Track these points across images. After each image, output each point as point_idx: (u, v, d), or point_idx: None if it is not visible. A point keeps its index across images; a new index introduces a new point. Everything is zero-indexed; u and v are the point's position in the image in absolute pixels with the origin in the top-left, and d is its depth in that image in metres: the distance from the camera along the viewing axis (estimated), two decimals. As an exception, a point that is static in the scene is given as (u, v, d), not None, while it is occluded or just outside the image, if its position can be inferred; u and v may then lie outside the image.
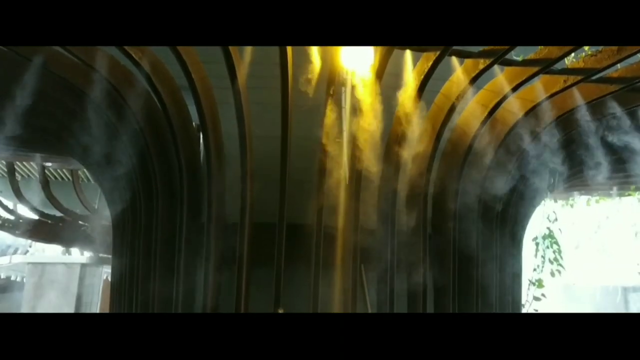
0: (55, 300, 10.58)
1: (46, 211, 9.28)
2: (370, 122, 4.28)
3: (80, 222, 9.52)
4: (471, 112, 4.81)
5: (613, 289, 19.23)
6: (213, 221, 5.23)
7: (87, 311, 10.66)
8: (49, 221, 9.65)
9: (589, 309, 21.22)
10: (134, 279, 5.69)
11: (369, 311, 5.30)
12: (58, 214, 9.27)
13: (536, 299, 5.98)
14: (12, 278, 12.81)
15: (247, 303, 4.74)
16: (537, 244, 6.18)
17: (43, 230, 9.77)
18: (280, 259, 4.73)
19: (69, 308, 10.54)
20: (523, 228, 5.95)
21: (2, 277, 12.86)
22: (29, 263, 10.91)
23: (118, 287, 6.03)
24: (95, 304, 10.67)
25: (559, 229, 6.21)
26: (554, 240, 6.11)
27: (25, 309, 10.82)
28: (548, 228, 6.08)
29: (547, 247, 6.10)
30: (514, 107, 4.75)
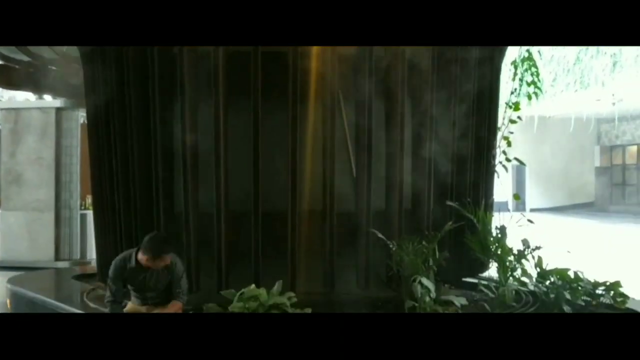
0: (34, 145, 10.55)
1: (13, 56, 8.93)
2: None
3: (50, 66, 9.20)
4: None
5: (587, 120, 19.74)
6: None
7: (68, 156, 10.69)
8: (17, 66, 9.32)
9: (563, 141, 21.95)
10: (110, 120, 5.63)
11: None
12: (26, 58, 8.91)
13: (512, 121, 6.10)
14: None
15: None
16: (515, 67, 6.15)
17: (12, 76, 9.47)
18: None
19: (49, 153, 10.54)
20: (501, 52, 5.89)
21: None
22: (2, 109, 10.68)
23: (94, 130, 5.99)
24: (75, 148, 10.67)
25: (538, 52, 6.13)
26: (533, 62, 6.08)
27: (4, 156, 10.80)
28: (527, 51, 6.01)
29: (526, 70, 6.08)
30: None
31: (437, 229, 5.23)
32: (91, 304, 5.40)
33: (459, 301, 4.65)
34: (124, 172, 5.51)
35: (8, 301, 6.72)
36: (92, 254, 9.99)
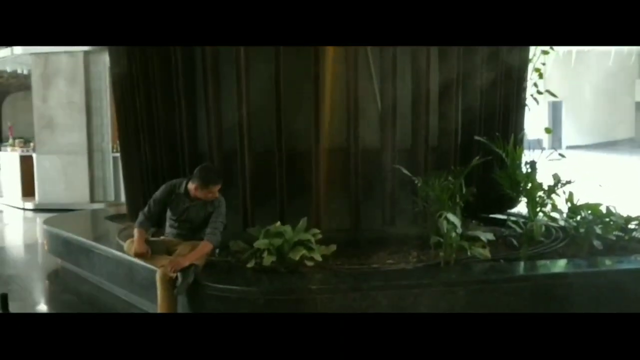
0: (65, 89, 10.64)
1: None
2: None
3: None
4: None
5: (627, 54, 18.91)
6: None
7: (98, 99, 10.77)
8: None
9: (602, 76, 21.13)
10: (132, 62, 5.59)
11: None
12: None
13: (544, 52, 5.86)
14: (19, 72, 12.77)
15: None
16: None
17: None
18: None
19: (79, 97, 10.63)
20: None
21: (8, 70, 12.82)
22: (31, 54, 10.74)
23: (117, 72, 5.97)
24: (104, 91, 10.72)
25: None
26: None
27: (37, 100, 10.94)
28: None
29: None
30: None
31: (464, 164, 5.13)
32: (122, 242, 5.53)
33: (486, 236, 4.59)
34: (148, 114, 5.52)
35: (45, 242, 6.94)
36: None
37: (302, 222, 4.62)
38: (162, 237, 4.71)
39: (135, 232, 4.45)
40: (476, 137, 5.35)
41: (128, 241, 4.55)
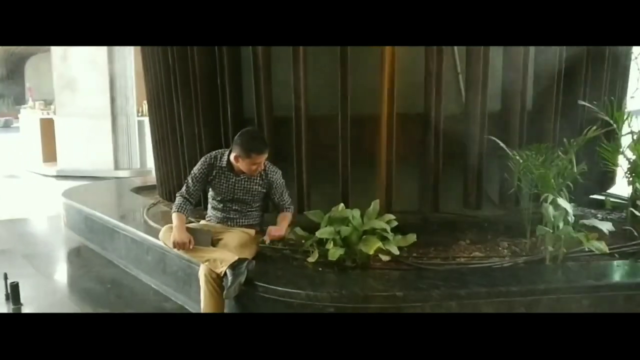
0: (86, 48, 9.74)
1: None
2: None
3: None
4: None
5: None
6: None
7: (122, 59, 9.92)
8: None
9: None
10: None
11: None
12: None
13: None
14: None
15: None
16: None
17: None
18: None
19: (101, 56, 9.80)
20: None
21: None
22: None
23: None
24: (128, 51, 9.89)
25: None
26: None
27: (56, 59, 10.15)
28: None
29: None
30: None
31: (563, 135, 4.18)
32: (152, 222, 4.72)
33: (604, 226, 3.66)
34: (183, 72, 4.64)
35: (63, 217, 6.17)
36: (151, 162, 9.47)
37: (374, 205, 3.74)
38: (202, 222, 3.88)
39: (174, 217, 3.60)
40: (580, 102, 4.40)
41: (165, 228, 3.70)
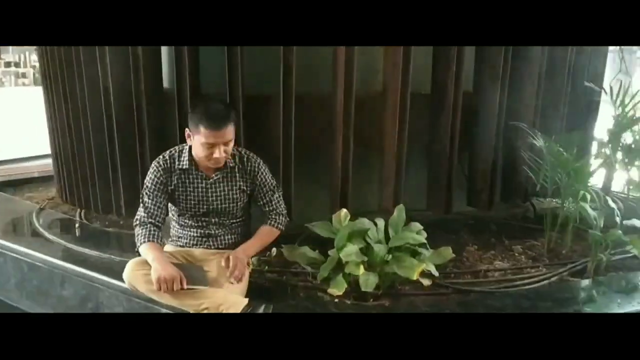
0: None
1: None
2: None
3: None
4: None
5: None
6: None
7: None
8: None
9: None
10: None
11: None
12: None
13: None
14: None
15: None
16: None
17: None
18: None
19: None
20: None
21: None
22: None
23: None
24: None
25: None
26: None
27: None
28: None
29: None
30: None
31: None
32: (51, 235, 3.44)
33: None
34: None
35: None
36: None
37: (399, 211, 2.88)
38: (167, 248, 2.71)
39: (145, 250, 2.44)
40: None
41: (131, 264, 2.46)
